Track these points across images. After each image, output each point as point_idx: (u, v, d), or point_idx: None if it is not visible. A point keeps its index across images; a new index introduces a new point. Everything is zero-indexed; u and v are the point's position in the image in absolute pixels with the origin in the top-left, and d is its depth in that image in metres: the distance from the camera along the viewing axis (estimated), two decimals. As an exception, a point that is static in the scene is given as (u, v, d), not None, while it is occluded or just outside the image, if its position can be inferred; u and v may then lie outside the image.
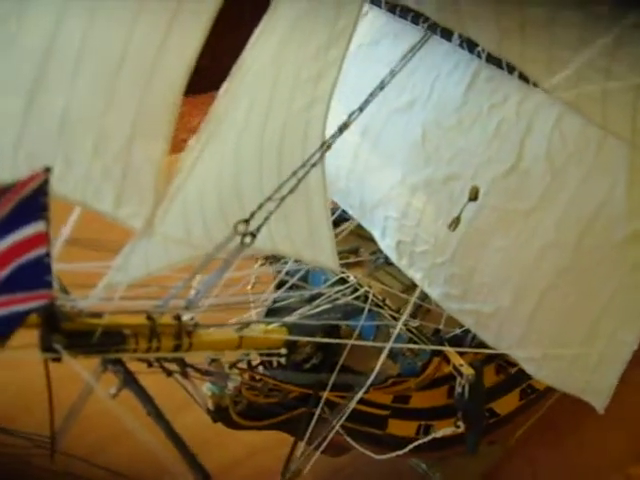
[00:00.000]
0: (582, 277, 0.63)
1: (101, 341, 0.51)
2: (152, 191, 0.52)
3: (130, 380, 0.55)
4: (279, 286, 0.78)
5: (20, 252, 0.45)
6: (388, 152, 0.72)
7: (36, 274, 0.47)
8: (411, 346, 0.69)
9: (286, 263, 0.76)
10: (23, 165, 0.48)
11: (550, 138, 0.60)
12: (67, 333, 0.49)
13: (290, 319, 0.70)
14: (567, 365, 0.65)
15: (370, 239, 0.83)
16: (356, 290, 0.76)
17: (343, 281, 0.77)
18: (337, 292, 0.75)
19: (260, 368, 0.73)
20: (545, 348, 0.64)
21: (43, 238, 0.45)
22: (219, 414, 0.69)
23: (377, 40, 0.74)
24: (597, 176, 0.59)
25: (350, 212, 0.80)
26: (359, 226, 0.84)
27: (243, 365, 0.69)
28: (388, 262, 0.82)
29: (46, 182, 0.44)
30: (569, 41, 0.53)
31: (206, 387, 0.67)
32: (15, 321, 0.46)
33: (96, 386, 0.49)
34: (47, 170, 0.44)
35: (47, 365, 0.51)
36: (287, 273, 0.75)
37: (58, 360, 0.50)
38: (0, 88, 0.44)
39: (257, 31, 0.56)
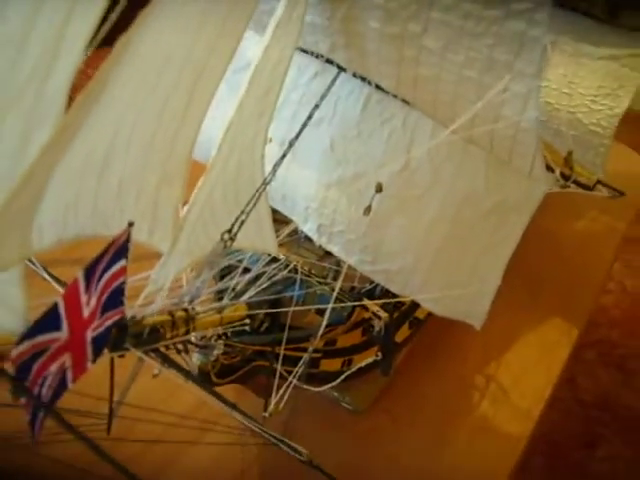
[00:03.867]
0: (461, 239, 0.94)
1: (150, 337, 0.74)
2: (172, 223, 0.75)
3: (169, 360, 0.78)
4: (223, 276, 1.02)
5: (112, 282, 0.66)
6: (304, 159, 0.97)
7: (118, 297, 0.68)
8: (362, 304, 0.97)
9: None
10: (91, 217, 0.69)
11: (430, 142, 0.90)
12: (133, 334, 0.72)
13: (245, 298, 0.96)
14: (455, 300, 0.97)
15: (284, 222, 1.10)
16: (287, 266, 1.03)
17: (275, 260, 1.03)
18: (274, 269, 1.01)
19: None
20: (439, 291, 0.95)
21: (124, 271, 0.67)
22: (202, 377, 0.94)
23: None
24: (465, 169, 0.89)
25: (274, 206, 1.05)
26: (273, 211, 1.09)
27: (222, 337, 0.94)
28: (307, 239, 1.09)
29: (130, 232, 0.66)
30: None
31: (195, 357, 0.92)
32: (107, 335, 0.68)
33: (162, 369, 0.73)
34: (131, 224, 0.65)
35: (113, 361, 0.73)
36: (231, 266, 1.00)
37: (123, 356, 0.73)
38: (79, 172, 0.64)
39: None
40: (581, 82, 1.27)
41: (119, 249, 0.64)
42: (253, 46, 0.84)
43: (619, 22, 1.28)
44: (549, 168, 0.87)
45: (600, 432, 2.42)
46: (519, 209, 0.91)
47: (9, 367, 0.57)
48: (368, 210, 0.90)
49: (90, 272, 0.61)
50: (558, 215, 1.64)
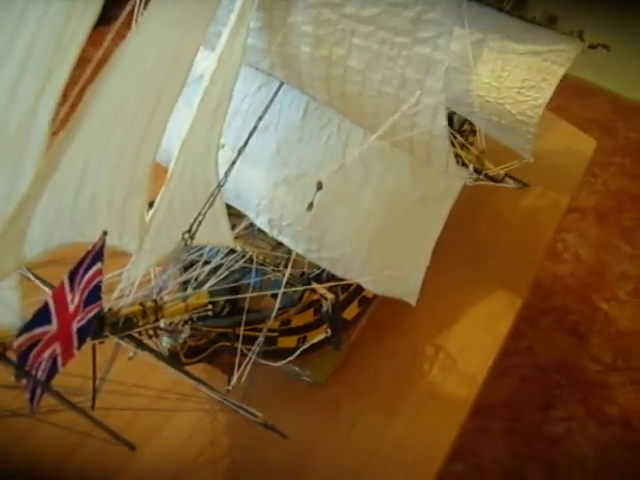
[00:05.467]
0: (393, 228, 1.10)
1: (125, 325, 0.90)
2: (138, 227, 0.90)
3: (142, 345, 0.94)
4: (187, 268, 1.17)
5: (92, 281, 0.82)
6: (254, 161, 1.12)
7: (96, 293, 0.84)
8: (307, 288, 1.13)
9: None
10: (71, 229, 0.84)
11: (361, 146, 1.06)
12: (111, 324, 0.88)
13: (207, 287, 1.12)
14: (391, 281, 1.14)
15: (241, 216, 1.26)
16: (244, 256, 1.19)
17: (232, 251, 1.19)
18: (231, 260, 1.17)
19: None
20: (376, 274, 1.12)
21: (100, 272, 0.82)
22: (172, 358, 1.10)
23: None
24: (393, 167, 1.05)
25: (230, 203, 1.21)
26: (229, 207, 1.24)
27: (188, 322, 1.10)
28: (259, 232, 1.25)
29: (104, 240, 0.81)
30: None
31: (165, 341, 1.08)
32: (89, 325, 0.84)
33: (136, 352, 0.89)
34: (105, 233, 0.80)
35: (94, 347, 0.89)
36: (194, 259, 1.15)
37: (103, 342, 0.89)
38: (60, 192, 0.79)
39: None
40: (508, 76, 1.43)
41: (96, 254, 0.79)
42: (204, 60, 0.99)
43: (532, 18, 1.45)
44: (464, 164, 1.03)
45: (556, 394, 2.62)
46: (441, 200, 1.08)
47: (12, 355, 0.73)
48: (310, 206, 1.05)
49: (73, 275, 0.76)
50: (506, 194, 1.82)
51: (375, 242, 1.12)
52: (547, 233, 1.98)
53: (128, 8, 0.70)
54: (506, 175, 1.05)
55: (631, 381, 2.71)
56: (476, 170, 1.02)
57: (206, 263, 1.15)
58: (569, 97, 3.76)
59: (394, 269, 1.13)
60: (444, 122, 0.90)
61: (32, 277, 0.90)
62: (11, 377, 0.74)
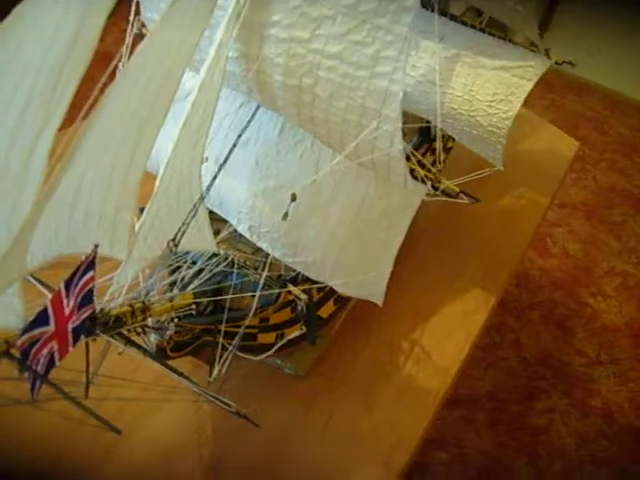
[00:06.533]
0: (360, 236, 1.23)
1: (115, 324, 1.04)
2: (127, 237, 1.04)
3: (130, 342, 1.08)
4: (174, 270, 1.31)
5: (85, 286, 0.95)
6: (236, 172, 1.25)
7: (89, 297, 0.97)
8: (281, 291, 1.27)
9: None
10: (67, 241, 0.97)
11: (331, 161, 1.19)
12: (102, 323, 1.02)
13: (191, 288, 1.26)
14: (359, 285, 1.27)
15: (223, 221, 1.39)
16: (226, 259, 1.32)
17: (215, 255, 1.33)
18: (214, 263, 1.31)
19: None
20: (345, 278, 1.26)
21: (93, 278, 0.96)
22: (159, 353, 1.24)
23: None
24: (359, 182, 1.18)
25: (214, 210, 1.34)
26: (212, 213, 1.37)
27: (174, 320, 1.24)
28: (241, 236, 1.38)
29: (96, 252, 0.94)
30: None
31: (152, 337, 1.21)
32: (83, 325, 0.98)
33: (125, 348, 1.03)
34: (96, 246, 0.94)
35: (87, 344, 1.03)
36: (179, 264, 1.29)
37: (95, 340, 1.03)
38: (58, 208, 0.93)
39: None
40: (479, 90, 1.56)
41: (88, 264, 0.93)
42: (189, 80, 1.12)
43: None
44: (423, 181, 1.16)
45: (540, 386, 2.77)
46: (403, 212, 1.21)
47: (15, 352, 0.87)
48: (285, 216, 1.18)
49: (68, 283, 0.90)
50: (486, 194, 1.95)
51: (344, 249, 1.26)
52: (525, 233, 2.10)
53: (114, 63, 0.83)
54: (460, 192, 1.18)
55: (614, 374, 2.85)
56: (434, 186, 1.15)
57: (192, 264, 1.29)
58: (564, 93, 3.89)
59: (361, 274, 1.27)
60: (400, 146, 1.03)
61: (33, 281, 1.04)
62: (15, 371, 0.88)
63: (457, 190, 1.16)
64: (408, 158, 1.13)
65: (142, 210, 1.09)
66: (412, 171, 1.15)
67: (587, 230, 3.33)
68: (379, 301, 1.31)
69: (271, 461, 1.48)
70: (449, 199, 1.16)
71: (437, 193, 1.15)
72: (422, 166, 1.16)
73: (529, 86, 1.54)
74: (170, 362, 1.24)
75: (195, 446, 1.40)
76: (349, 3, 1.00)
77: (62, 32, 0.79)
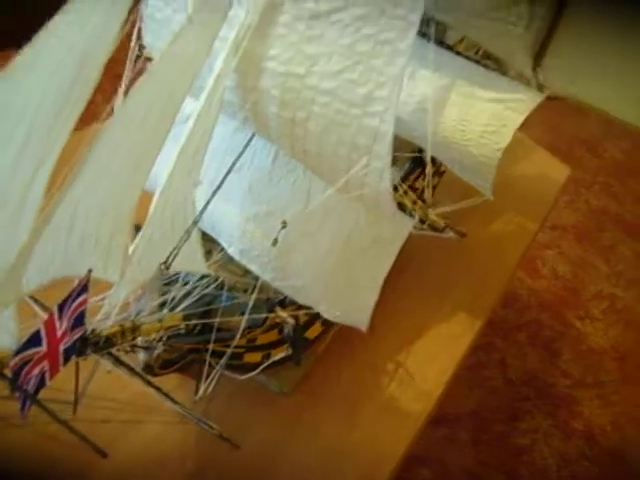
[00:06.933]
0: (348, 265, 1.28)
1: (105, 344, 1.08)
2: (121, 260, 1.08)
3: (119, 361, 1.12)
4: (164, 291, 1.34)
5: (78, 308, 0.99)
6: (229, 197, 1.28)
7: (81, 319, 1.01)
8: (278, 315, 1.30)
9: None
10: (63, 265, 1.01)
11: (324, 193, 1.23)
12: (93, 343, 1.05)
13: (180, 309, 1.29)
14: (344, 312, 1.31)
15: (215, 241, 1.43)
16: (216, 280, 1.36)
17: (206, 276, 1.36)
18: (205, 284, 1.34)
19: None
20: (332, 304, 1.30)
21: (85, 301, 1.00)
22: (147, 370, 1.27)
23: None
24: (349, 212, 1.22)
25: (206, 231, 1.38)
26: (204, 233, 1.40)
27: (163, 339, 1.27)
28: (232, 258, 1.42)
29: (90, 277, 0.98)
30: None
31: (141, 355, 1.25)
32: (74, 347, 1.01)
33: (113, 367, 1.06)
34: (90, 271, 0.97)
35: (77, 363, 1.06)
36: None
37: (85, 359, 1.06)
38: (55, 234, 0.96)
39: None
40: (472, 120, 1.60)
41: (82, 288, 0.97)
42: (189, 104, 1.16)
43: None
44: (411, 215, 1.20)
45: (523, 407, 2.80)
46: (391, 243, 1.25)
47: (8, 372, 0.91)
48: (275, 242, 1.22)
49: (62, 305, 0.94)
50: (475, 220, 1.99)
51: (331, 276, 1.30)
52: (512, 259, 2.14)
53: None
54: (446, 226, 1.22)
55: (598, 396, 2.89)
56: (421, 220, 1.19)
57: (184, 284, 1.32)
58: (562, 115, 3.93)
59: (347, 300, 1.31)
60: (388, 183, 1.07)
61: (29, 300, 1.08)
62: (6, 390, 0.91)
63: (442, 224, 1.20)
64: (396, 188, 1.17)
65: (138, 228, 1.12)
66: (400, 204, 1.19)
67: (577, 253, 3.37)
68: (363, 328, 1.35)
69: (253, 475, 1.51)
70: (435, 233, 1.20)
71: (423, 227, 1.19)
72: (412, 202, 1.20)
73: (520, 119, 1.59)
74: (156, 379, 1.27)
75: (176, 462, 1.43)
76: (345, 43, 1.04)
77: (63, 70, 0.83)
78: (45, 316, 0.99)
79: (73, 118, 0.86)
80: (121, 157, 0.96)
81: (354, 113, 1.05)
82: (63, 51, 0.82)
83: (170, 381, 1.42)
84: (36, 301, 1.12)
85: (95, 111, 1.04)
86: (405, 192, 1.18)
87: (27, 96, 0.81)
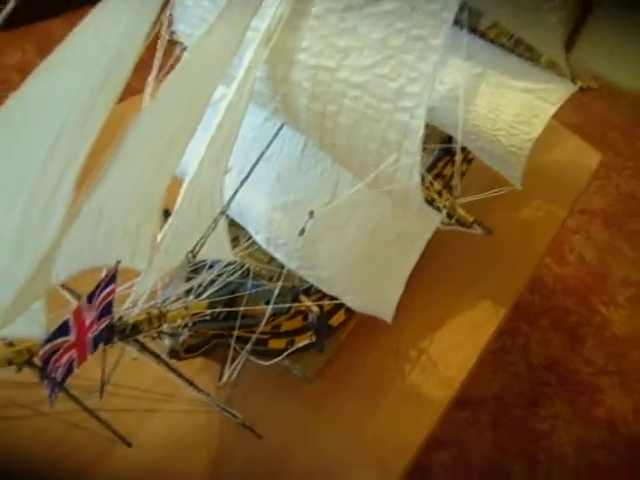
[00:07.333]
0: (373, 257, 1.27)
1: (132, 331, 1.09)
2: (149, 249, 1.08)
3: (144, 348, 1.13)
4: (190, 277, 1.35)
5: (106, 298, 1.00)
6: (257, 185, 1.29)
7: (109, 308, 1.02)
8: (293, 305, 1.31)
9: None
10: (91, 256, 1.02)
11: (351, 185, 1.23)
12: (120, 331, 1.06)
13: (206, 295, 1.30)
14: (369, 302, 1.32)
15: (241, 227, 1.43)
16: (242, 267, 1.37)
17: (232, 262, 1.37)
18: (231, 270, 1.35)
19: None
20: (356, 295, 1.30)
21: (113, 291, 1.01)
22: (172, 355, 1.28)
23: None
24: (376, 205, 1.22)
25: (234, 218, 1.38)
26: (232, 221, 1.41)
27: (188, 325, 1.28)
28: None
29: (117, 268, 0.99)
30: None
31: (167, 341, 1.26)
32: (101, 335, 1.03)
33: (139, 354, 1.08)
34: (118, 262, 0.98)
35: (104, 350, 1.08)
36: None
37: (111, 346, 1.08)
38: (83, 225, 0.97)
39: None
40: (503, 109, 1.58)
41: (110, 278, 0.98)
42: (219, 90, 1.16)
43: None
44: (438, 209, 1.19)
45: (545, 393, 2.80)
46: (417, 237, 1.25)
47: (37, 360, 0.93)
48: (302, 231, 1.22)
49: (91, 295, 0.95)
50: (504, 207, 1.97)
51: (357, 268, 1.30)
52: (540, 246, 2.13)
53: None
54: (474, 222, 1.21)
55: (620, 385, 2.88)
56: (448, 215, 1.19)
57: (210, 268, 1.33)
58: (594, 99, 3.87)
59: (372, 292, 1.31)
60: (418, 179, 1.06)
61: (58, 287, 1.09)
62: (36, 378, 0.93)
63: (471, 220, 1.19)
64: (422, 179, 1.16)
65: (166, 213, 1.13)
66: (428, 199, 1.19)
67: (604, 238, 3.34)
68: (388, 319, 1.35)
69: (275, 460, 1.53)
70: (462, 229, 1.19)
71: (451, 222, 1.19)
72: (438, 194, 1.19)
73: (552, 110, 1.57)
74: (181, 362, 1.29)
75: (198, 445, 1.45)
76: (377, 37, 1.03)
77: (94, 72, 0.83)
78: (74, 302, 1.01)
79: (103, 117, 0.86)
80: (151, 148, 0.96)
81: (385, 108, 1.04)
82: (97, 48, 0.82)
83: (194, 364, 1.44)
84: (65, 288, 1.13)
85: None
86: (431, 183, 1.16)
87: (62, 92, 0.81)
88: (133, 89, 1.09)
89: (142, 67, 1.16)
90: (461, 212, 1.19)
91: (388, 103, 1.04)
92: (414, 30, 1.01)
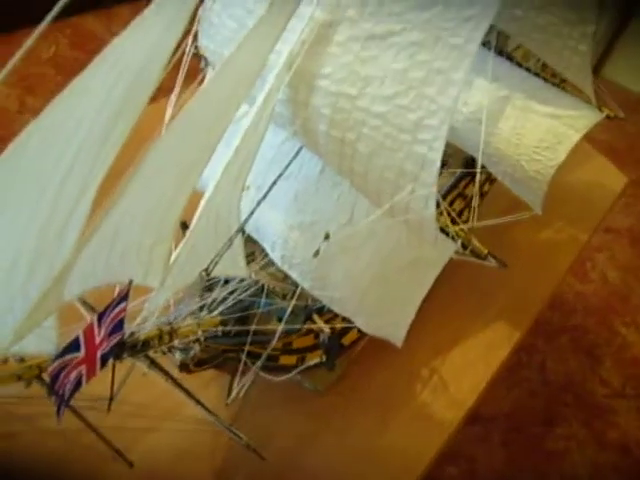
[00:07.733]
0: (386, 282, 1.27)
1: (143, 347, 1.10)
2: (162, 269, 1.10)
3: (154, 363, 1.15)
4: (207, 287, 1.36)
5: (117, 316, 1.01)
6: (274, 203, 1.29)
7: (120, 325, 1.04)
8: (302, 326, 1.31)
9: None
10: (104, 274, 1.03)
11: (368, 208, 1.23)
12: (130, 346, 1.08)
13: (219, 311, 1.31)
14: (380, 326, 1.32)
15: (256, 242, 1.44)
16: (256, 283, 1.38)
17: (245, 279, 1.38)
18: (245, 286, 1.36)
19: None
20: (367, 318, 1.30)
21: (124, 309, 1.02)
22: (182, 368, 1.30)
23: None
24: (392, 231, 1.22)
25: (251, 234, 1.39)
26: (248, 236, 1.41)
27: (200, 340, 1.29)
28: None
29: (130, 287, 1.00)
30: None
31: (177, 355, 1.28)
32: (111, 352, 1.04)
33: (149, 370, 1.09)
34: (131, 282, 1.00)
35: (114, 366, 1.09)
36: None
37: (121, 361, 1.09)
38: (99, 245, 0.98)
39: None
40: (527, 134, 1.57)
41: (122, 297, 0.99)
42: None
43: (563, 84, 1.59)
44: (453, 238, 1.19)
45: (560, 412, 2.78)
46: (431, 265, 1.25)
47: (46, 377, 0.94)
48: (317, 253, 1.23)
49: (102, 314, 0.97)
50: (524, 227, 1.96)
51: (369, 290, 1.30)
52: (558, 271, 2.11)
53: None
54: (488, 254, 1.21)
55: (637, 409, 2.85)
56: (463, 245, 1.19)
57: (225, 283, 1.34)
58: (628, 113, 3.82)
59: (384, 316, 1.31)
60: (433, 210, 1.06)
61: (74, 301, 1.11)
62: (44, 393, 0.95)
63: (485, 252, 1.19)
64: (438, 205, 1.15)
65: (184, 226, 1.14)
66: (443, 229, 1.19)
67: (628, 258, 3.30)
68: (398, 343, 1.36)
69: (282, 474, 1.54)
70: (477, 260, 1.19)
71: (465, 252, 1.19)
72: (453, 222, 1.19)
73: (577, 137, 1.56)
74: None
75: (205, 460, 1.46)
76: (399, 68, 1.03)
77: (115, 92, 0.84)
78: (87, 315, 1.02)
79: (120, 142, 0.87)
80: (170, 170, 0.97)
81: (403, 139, 1.05)
82: (117, 73, 0.83)
83: (203, 375, 1.45)
84: (79, 300, 1.15)
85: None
86: (446, 210, 1.16)
87: (80, 117, 0.83)
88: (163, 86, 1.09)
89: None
90: (476, 243, 1.18)
91: (407, 134, 1.05)
92: (436, 62, 1.01)
